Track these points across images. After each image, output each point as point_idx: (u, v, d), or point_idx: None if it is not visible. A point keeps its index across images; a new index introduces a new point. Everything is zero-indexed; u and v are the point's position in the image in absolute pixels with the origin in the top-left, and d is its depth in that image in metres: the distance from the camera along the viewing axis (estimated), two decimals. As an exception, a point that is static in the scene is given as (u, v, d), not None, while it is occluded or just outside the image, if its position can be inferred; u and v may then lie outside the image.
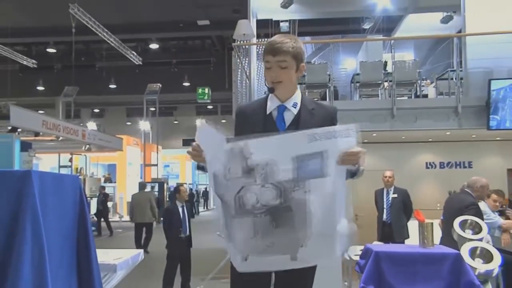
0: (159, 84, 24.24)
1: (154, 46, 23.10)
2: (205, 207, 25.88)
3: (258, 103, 2.22)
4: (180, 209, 6.37)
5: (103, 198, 15.31)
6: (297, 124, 2.12)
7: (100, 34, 18.82)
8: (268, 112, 2.16)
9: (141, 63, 23.07)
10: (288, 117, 2.15)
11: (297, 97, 2.18)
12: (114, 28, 19.37)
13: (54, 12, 18.30)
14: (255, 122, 2.13)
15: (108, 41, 19.79)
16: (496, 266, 3.96)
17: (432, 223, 3.88)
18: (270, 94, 2.16)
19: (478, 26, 8.46)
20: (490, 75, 8.15)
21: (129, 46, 21.74)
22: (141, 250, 3.57)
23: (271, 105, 2.16)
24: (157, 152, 24.88)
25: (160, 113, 26.22)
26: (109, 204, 22.39)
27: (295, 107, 2.15)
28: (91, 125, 23.00)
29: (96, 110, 31.84)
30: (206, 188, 27.82)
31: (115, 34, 19.71)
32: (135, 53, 22.35)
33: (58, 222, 2.01)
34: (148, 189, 16.45)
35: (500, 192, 5.86)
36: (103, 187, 16.15)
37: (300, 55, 2.11)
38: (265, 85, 2.17)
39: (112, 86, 27.22)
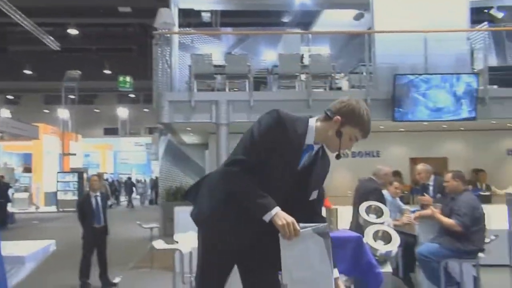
0: (78, 71, 23.37)
1: (73, 31, 22.19)
2: (128, 197, 25.20)
3: (300, 126, 2.29)
4: (93, 200, 6.32)
5: (4, 188, 14.70)
6: (310, 166, 2.32)
7: (13, 16, 17.77)
8: (304, 144, 2.28)
9: (59, 49, 22.06)
10: (309, 157, 2.31)
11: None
12: (30, 10, 18.37)
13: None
14: (291, 146, 2.24)
15: (22, 24, 18.73)
16: (395, 247, 4.30)
17: (336, 209, 4.20)
18: (309, 125, 2.29)
19: (386, 25, 9.02)
20: (396, 70, 8.68)
21: (46, 31, 20.69)
22: (53, 241, 3.52)
23: (308, 139, 2.29)
24: (76, 141, 24.04)
25: (80, 101, 25.32)
26: (25, 195, 21.52)
27: (317, 150, 2.34)
28: (5, 112, 21.83)
29: (10, 97, 30.16)
30: (129, 178, 27.03)
31: (30, 17, 18.66)
32: (52, 38, 21.33)
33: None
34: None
35: (398, 172, 6.41)
36: (2, 176, 15.50)
37: None
38: (338, 152, 2.28)
39: (28, 71, 25.86)
